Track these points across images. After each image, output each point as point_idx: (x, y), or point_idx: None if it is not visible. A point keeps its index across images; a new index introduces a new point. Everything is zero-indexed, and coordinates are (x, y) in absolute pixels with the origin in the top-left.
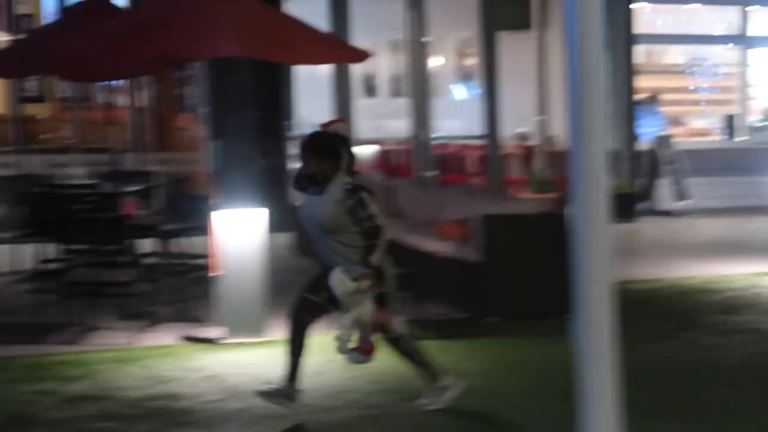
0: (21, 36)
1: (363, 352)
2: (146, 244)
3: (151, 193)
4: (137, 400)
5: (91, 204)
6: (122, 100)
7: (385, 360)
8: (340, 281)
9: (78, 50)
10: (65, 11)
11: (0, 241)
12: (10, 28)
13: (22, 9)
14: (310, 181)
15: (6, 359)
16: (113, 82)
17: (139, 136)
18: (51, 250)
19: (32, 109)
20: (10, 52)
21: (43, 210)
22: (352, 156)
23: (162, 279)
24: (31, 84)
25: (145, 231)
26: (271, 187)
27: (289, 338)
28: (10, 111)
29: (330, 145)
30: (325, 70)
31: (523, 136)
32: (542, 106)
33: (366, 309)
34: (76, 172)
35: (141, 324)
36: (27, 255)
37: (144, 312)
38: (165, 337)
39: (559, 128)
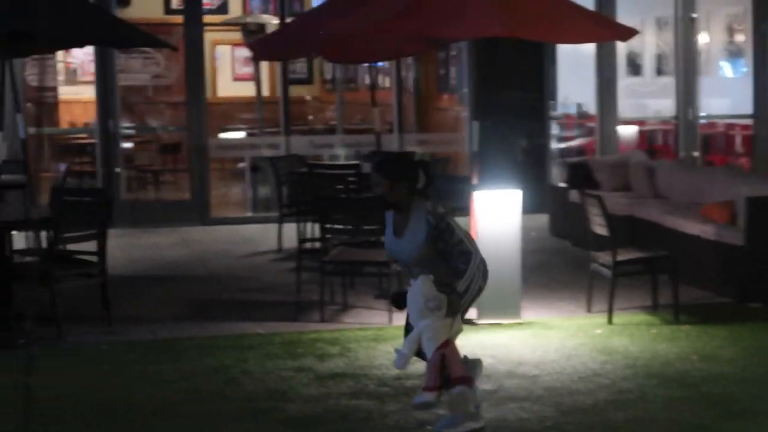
0: (290, 19)
1: (427, 389)
2: None
3: None
4: (390, 379)
5: (353, 184)
6: (386, 81)
7: (642, 343)
8: (425, 284)
9: (343, 32)
10: None
11: (266, 220)
12: (281, 12)
13: None
14: (383, 205)
15: (267, 336)
16: (378, 63)
17: (402, 117)
18: (313, 229)
19: (299, 91)
20: (279, 35)
21: (306, 189)
22: (429, 179)
23: None
24: (299, 66)
25: None
26: (531, 168)
27: None
28: (278, 93)
29: (405, 167)
30: (590, 48)
31: None
32: None
33: (441, 330)
34: (340, 152)
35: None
36: (291, 234)
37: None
38: None
39: None
